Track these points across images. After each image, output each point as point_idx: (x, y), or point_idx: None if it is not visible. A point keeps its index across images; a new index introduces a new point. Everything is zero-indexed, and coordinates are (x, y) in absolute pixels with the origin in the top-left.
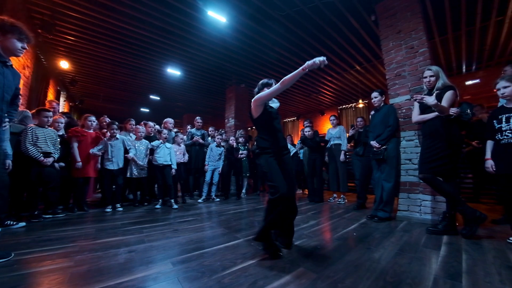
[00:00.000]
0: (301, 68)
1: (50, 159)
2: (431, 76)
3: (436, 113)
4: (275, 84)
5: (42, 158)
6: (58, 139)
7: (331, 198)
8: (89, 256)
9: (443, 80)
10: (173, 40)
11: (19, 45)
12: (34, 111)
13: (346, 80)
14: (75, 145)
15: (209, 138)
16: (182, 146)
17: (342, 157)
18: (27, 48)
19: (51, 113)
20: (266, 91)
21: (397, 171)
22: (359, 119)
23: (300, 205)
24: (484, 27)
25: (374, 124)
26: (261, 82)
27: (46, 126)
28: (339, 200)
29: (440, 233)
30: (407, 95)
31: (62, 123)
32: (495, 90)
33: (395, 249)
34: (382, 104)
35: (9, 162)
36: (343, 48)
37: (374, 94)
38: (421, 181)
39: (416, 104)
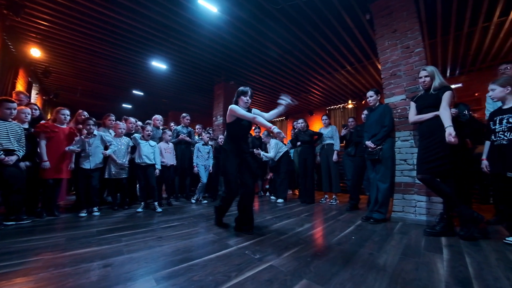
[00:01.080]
0: (270, 126)
1: (13, 158)
2: (426, 76)
3: (434, 113)
4: (250, 93)
5: (3, 156)
6: (24, 135)
7: (322, 199)
8: (55, 274)
9: (439, 80)
10: (160, 31)
11: None
12: None
13: (336, 81)
14: (43, 142)
15: (196, 136)
16: (171, 144)
17: (335, 157)
18: None
19: (15, 105)
20: (241, 111)
21: (392, 172)
22: (350, 119)
23: (291, 206)
24: (471, 32)
25: (369, 124)
26: (238, 89)
27: (10, 120)
28: (331, 201)
29: (437, 234)
30: (402, 94)
31: (28, 113)
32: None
33: (398, 254)
34: (377, 103)
35: None
36: (336, 47)
37: (370, 93)
38: (416, 181)
39: (413, 104)
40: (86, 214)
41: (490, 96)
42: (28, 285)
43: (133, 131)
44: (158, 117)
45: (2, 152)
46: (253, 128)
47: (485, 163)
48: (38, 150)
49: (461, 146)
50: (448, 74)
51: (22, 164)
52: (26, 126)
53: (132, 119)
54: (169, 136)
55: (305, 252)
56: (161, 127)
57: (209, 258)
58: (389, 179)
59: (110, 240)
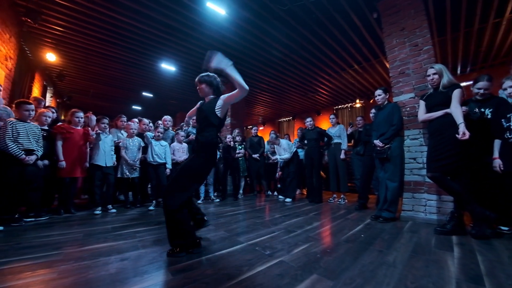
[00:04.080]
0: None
1: (33, 157)
2: (434, 74)
3: (444, 111)
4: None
5: (24, 156)
6: (41, 135)
7: (331, 199)
8: (76, 266)
9: (448, 77)
10: (169, 34)
11: None
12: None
13: (344, 80)
14: (59, 143)
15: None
16: (185, 144)
17: (342, 155)
18: None
19: (32, 106)
20: (233, 92)
21: (401, 170)
22: (358, 118)
23: (300, 205)
24: (481, 28)
25: (378, 123)
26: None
27: (28, 121)
28: (339, 200)
29: (448, 233)
30: (411, 93)
31: (49, 117)
32: (503, 89)
33: (408, 251)
34: (386, 102)
35: None
36: (343, 46)
37: (378, 91)
38: (426, 180)
39: (422, 102)
40: (100, 212)
41: (508, 93)
42: (51, 276)
43: (146, 132)
44: (167, 117)
45: (23, 152)
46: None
47: (498, 162)
48: (55, 150)
49: (473, 144)
50: (458, 72)
51: (39, 163)
52: (45, 128)
53: (146, 120)
54: (182, 136)
55: (314, 248)
56: (170, 128)
57: (220, 254)
58: (398, 177)
59: (125, 236)
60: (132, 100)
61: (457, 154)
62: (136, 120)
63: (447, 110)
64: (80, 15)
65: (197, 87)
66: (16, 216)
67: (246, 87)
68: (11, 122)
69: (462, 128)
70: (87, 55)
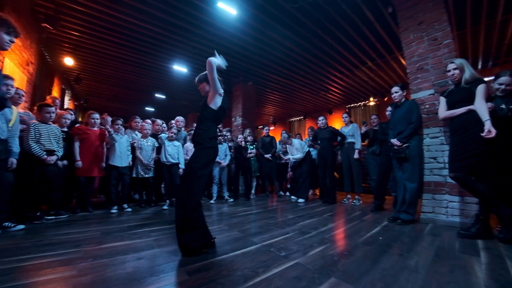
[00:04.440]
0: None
1: (54, 158)
2: (454, 69)
3: (468, 108)
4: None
5: (45, 156)
6: (61, 136)
7: (345, 199)
8: (94, 264)
9: (470, 72)
10: (181, 35)
11: (6, 38)
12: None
13: (357, 78)
14: (77, 144)
15: None
16: None
17: (356, 155)
18: (14, 41)
19: (53, 109)
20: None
21: (421, 171)
22: (373, 117)
23: (313, 206)
24: (505, 20)
25: (395, 121)
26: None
27: (49, 122)
28: (354, 201)
29: (473, 237)
30: (430, 89)
31: (68, 119)
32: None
33: (430, 255)
34: (403, 99)
35: (12, 160)
36: (356, 43)
37: (395, 89)
38: (448, 180)
39: (443, 99)
40: (117, 211)
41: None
42: (70, 273)
43: (160, 133)
44: (179, 118)
45: (44, 152)
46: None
47: None
48: (72, 150)
49: (499, 141)
50: (479, 67)
51: (60, 163)
52: (65, 129)
53: (159, 121)
54: None
55: (331, 251)
56: (182, 129)
57: (235, 254)
58: (417, 178)
59: (141, 235)
60: (145, 102)
61: (482, 153)
62: (150, 121)
63: (471, 107)
64: (95, 19)
65: (198, 88)
66: (38, 214)
67: (208, 61)
68: (34, 124)
69: (488, 125)
70: (102, 59)
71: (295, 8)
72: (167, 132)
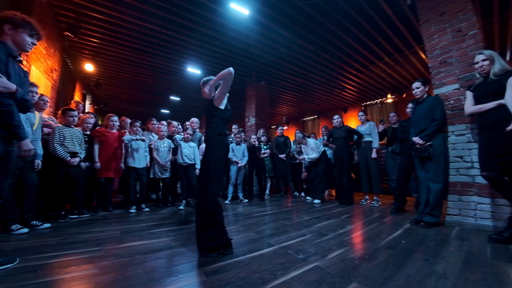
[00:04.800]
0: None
1: (77, 159)
2: (483, 60)
3: (498, 102)
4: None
5: (69, 158)
6: (83, 139)
7: (362, 200)
8: (115, 263)
9: (500, 64)
10: (194, 38)
11: (29, 40)
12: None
13: (373, 74)
14: (96, 146)
15: (230, 135)
16: None
17: (374, 154)
18: (36, 44)
19: (76, 113)
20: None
21: (446, 170)
22: (391, 114)
23: (330, 207)
24: None
25: (417, 118)
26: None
27: (72, 126)
28: (373, 202)
29: (506, 241)
30: (455, 84)
31: (91, 123)
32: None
33: (459, 261)
34: (425, 95)
35: (38, 162)
36: (372, 38)
37: (416, 84)
38: (476, 181)
39: (469, 94)
40: (135, 210)
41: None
42: (93, 271)
43: (175, 134)
44: (194, 119)
45: (68, 154)
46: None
47: None
48: (92, 152)
49: None
50: (508, 58)
51: (82, 165)
52: (87, 133)
53: (175, 123)
54: None
55: (351, 254)
56: (197, 130)
57: (252, 256)
58: (442, 178)
59: (159, 235)
60: (161, 104)
61: None
62: (165, 123)
63: (501, 101)
64: (113, 26)
65: (201, 90)
66: (63, 213)
67: (229, 70)
68: (58, 128)
69: None
70: (120, 64)
71: (308, 5)
72: (182, 133)
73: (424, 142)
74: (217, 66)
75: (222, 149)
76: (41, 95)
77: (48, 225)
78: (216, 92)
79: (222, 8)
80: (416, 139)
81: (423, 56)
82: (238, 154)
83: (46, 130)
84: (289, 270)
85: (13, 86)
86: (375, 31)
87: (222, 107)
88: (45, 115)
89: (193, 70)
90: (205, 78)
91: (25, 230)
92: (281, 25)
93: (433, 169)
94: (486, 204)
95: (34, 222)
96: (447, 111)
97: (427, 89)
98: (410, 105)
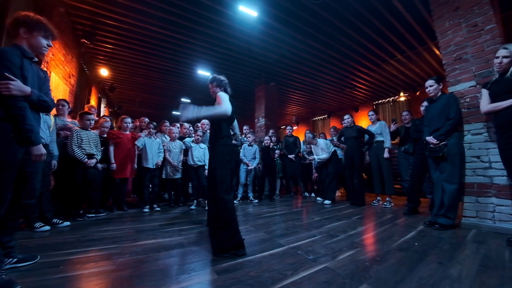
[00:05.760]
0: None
1: (93, 161)
2: (504, 56)
3: None
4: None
5: (86, 159)
6: (99, 141)
7: (374, 201)
8: (131, 260)
9: None
10: (204, 41)
11: (44, 42)
12: (77, 115)
13: (385, 72)
14: (111, 147)
15: (243, 136)
16: None
17: (386, 154)
18: (52, 45)
19: (92, 116)
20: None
21: (461, 171)
22: (405, 113)
23: (340, 208)
24: None
25: (430, 117)
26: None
27: (89, 129)
28: (385, 203)
29: None
30: (471, 81)
31: (107, 127)
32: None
33: (475, 265)
34: (439, 93)
35: (54, 162)
36: (383, 35)
37: (430, 82)
38: (494, 182)
39: (485, 91)
40: (148, 210)
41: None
42: (111, 268)
43: (187, 135)
44: (205, 121)
45: (85, 156)
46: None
47: None
48: (108, 153)
49: None
50: None
51: (99, 166)
52: (104, 136)
53: (186, 125)
54: None
55: (362, 255)
56: (208, 131)
57: (262, 256)
58: (458, 179)
59: (171, 234)
60: (172, 106)
61: None
62: (178, 125)
63: None
64: (126, 32)
65: (210, 90)
66: (81, 212)
67: (223, 111)
68: (76, 131)
69: None
70: (133, 68)
71: (317, 4)
72: (193, 135)
73: (438, 142)
74: (226, 67)
75: (227, 151)
76: (62, 100)
77: (67, 223)
78: (216, 103)
79: (231, 11)
80: (430, 138)
81: (437, 52)
82: (249, 155)
83: (63, 133)
84: (299, 270)
85: (27, 89)
86: (386, 28)
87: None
88: (68, 119)
89: (203, 72)
90: (213, 76)
91: (47, 227)
92: (289, 25)
93: (448, 169)
94: (506, 206)
95: (55, 220)
96: (462, 109)
97: (441, 87)
98: (424, 103)
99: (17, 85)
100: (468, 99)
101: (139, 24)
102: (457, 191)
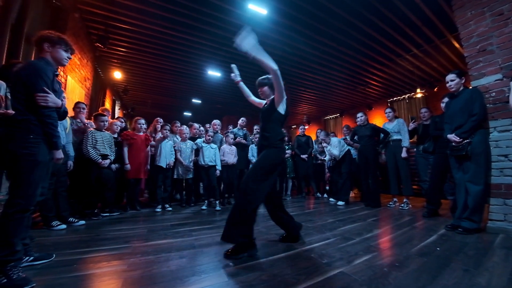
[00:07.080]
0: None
1: (107, 161)
2: None
3: None
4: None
5: (101, 160)
6: (113, 142)
7: (391, 203)
8: (142, 260)
9: None
10: (213, 41)
11: (65, 55)
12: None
13: (400, 68)
14: (126, 148)
15: (251, 137)
16: (234, 147)
17: (404, 154)
18: (71, 58)
19: (106, 118)
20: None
21: (487, 171)
22: (423, 110)
23: (355, 209)
24: None
25: (452, 114)
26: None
27: (103, 130)
28: (402, 205)
29: None
30: (497, 74)
31: (119, 126)
32: None
33: (506, 273)
34: (461, 88)
35: (70, 163)
36: (399, 29)
37: (451, 76)
38: None
39: None
40: (160, 210)
41: None
42: (122, 267)
43: (197, 136)
44: (216, 122)
45: (99, 157)
46: (294, 126)
47: None
48: (122, 154)
49: None
50: None
51: (113, 166)
52: (115, 135)
53: (196, 125)
54: (231, 139)
55: (379, 260)
56: (218, 131)
57: (274, 259)
58: (483, 179)
59: (182, 234)
60: (183, 107)
61: None
62: (188, 125)
63: None
64: (138, 35)
65: (258, 91)
66: (96, 211)
67: (273, 66)
68: (91, 132)
69: None
70: (145, 70)
71: (329, 0)
72: (203, 136)
73: (461, 140)
74: (237, 67)
75: (281, 154)
76: (80, 102)
77: (83, 222)
78: (274, 95)
79: (240, 10)
80: (451, 136)
81: (456, 45)
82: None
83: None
84: (313, 275)
85: (59, 102)
86: (400, 21)
87: (283, 112)
88: (86, 121)
89: (213, 73)
90: (265, 78)
91: (64, 226)
92: (299, 22)
93: (472, 169)
94: None
95: (71, 219)
96: (487, 105)
97: (463, 81)
98: (445, 99)
99: (52, 98)
100: (494, 93)
101: (149, 27)
102: (483, 193)
